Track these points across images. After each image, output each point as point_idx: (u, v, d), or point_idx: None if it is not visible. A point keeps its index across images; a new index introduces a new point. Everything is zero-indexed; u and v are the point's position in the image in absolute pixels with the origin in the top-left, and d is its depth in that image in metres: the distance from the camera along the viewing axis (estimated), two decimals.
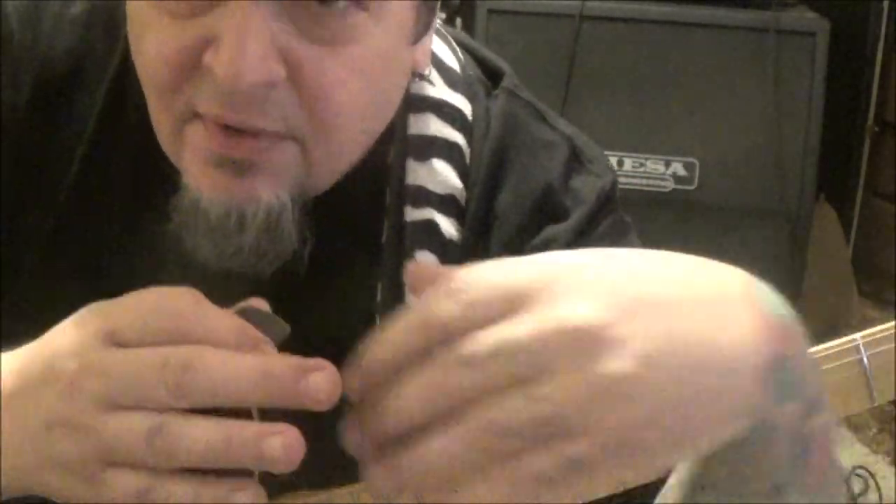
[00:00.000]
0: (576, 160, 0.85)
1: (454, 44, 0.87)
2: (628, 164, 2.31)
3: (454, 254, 0.81)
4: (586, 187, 0.84)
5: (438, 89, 0.83)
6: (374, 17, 0.69)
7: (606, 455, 0.49)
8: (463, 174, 0.82)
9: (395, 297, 0.80)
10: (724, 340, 0.51)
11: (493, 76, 0.87)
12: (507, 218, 0.82)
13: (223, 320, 0.58)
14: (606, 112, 2.29)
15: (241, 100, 0.67)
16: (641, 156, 2.31)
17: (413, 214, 0.80)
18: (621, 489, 0.55)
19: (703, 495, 0.58)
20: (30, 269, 0.81)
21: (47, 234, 0.81)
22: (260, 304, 0.65)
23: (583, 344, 0.48)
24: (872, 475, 2.21)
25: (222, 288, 0.79)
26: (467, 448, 0.50)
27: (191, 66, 0.68)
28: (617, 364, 0.48)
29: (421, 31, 0.75)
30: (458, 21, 2.46)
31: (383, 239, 0.80)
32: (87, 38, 0.81)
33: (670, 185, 2.31)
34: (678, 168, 2.31)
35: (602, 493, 0.51)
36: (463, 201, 0.81)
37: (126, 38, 0.76)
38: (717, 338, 0.51)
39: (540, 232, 0.82)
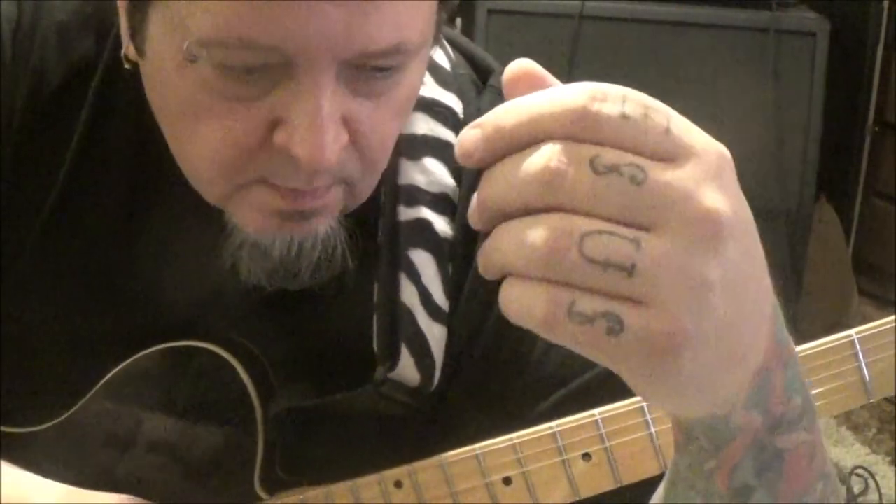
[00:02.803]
0: None
1: (445, 42, 0.87)
2: None
3: (449, 252, 0.81)
4: None
5: (429, 88, 0.83)
6: (416, 60, 0.70)
7: (653, 343, 0.44)
8: (456, 173, 0.82)
9: (391, 295, 0.80)
10: (753, 321, 0.49)
11: (482, 74, 0.87)
12: None
13: None
14: None
15: (320, 173, 0.68)
16: None
17: (406, 214, 0.81)
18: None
19: (678, 491, 0.57)
20: (21, 270, 0.82)
21: (39, 236, 0.81)
22: None
23: (705, 232, 0.44)
24: (872, 475, 2.21)
25: (234, 292, 0.80)
26: (535, 244, 0.44)
27: (259, 145, 0.68)
28: (718, 272, 0.45)
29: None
30: (458, 21, 2.46)
31: (379, 239, 0.81)
32: (75, 41, 0.81)
33: None
34: None
35: (601, 368, 0.46)
36: (456, 199, 0.82)
37: (116, 37, 0.76)
38: (756, 312, 0.49)
39: None
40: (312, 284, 0.76)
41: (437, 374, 0.82)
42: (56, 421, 0.82)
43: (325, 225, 0.73)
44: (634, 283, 0.43)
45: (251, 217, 0.72)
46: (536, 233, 0.44)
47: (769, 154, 2.29)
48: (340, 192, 0.73)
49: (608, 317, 0.43)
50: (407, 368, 0.80)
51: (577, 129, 0.44)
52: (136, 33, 0.70)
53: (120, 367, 0.81)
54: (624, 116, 0.44)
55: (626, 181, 0.44)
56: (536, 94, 0.45)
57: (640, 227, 0.44)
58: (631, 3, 2.30)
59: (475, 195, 0.46)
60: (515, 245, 0.44)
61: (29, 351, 0.83)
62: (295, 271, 0.74)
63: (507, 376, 0.82)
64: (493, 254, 0.45)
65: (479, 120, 0.46)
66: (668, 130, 0.46)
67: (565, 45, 2.27)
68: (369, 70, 0.67)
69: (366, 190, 0.75)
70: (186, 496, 0.81)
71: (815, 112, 2.29)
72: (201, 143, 0.70)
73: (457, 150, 0.46)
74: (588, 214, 0.44)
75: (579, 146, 0.44)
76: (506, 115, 0.45)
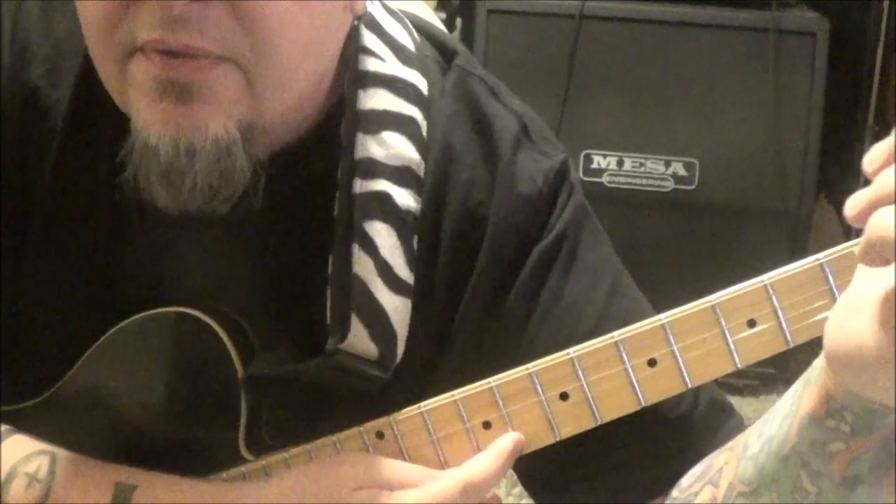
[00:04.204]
0: (525, 136, 0.86)
1: (409, 25, 0.88)
2: (628, 164, 2.30)
3: (413, 224, 0.81)
4: (536, 164, 0.84)
5: (390, 65, 0.83)
6: None
7: None
8: (421, 147, 0.82)
9: (345, 268, 0.80)
10: None
11: (447, 56, 0.87)
12: (463, 189, 0.83)
13: None
14: (606, 112, 2.29)
15: (178, 18, 0.68)
16: (641, 156, 2.31)
17: (362, 186, 0.80)
18: None
19: (788, 465, 0.58)
20: (16, 252, 0.82)
21: (31, 221, 0.82)
22: None
23: None
24: None
25: (183, 234, 0.80)
26: None
27: (127, 2, 0.69)
28: None
29: None
30: (458, 21, 2.46)
31: (335, 212, 0.81)
32: (59, 14, 0.82)
33: (670, 185, 2.31)
34: (678, 168, 2.31)
35: None
36: (421, 173, 0.82)
37: None
38: None
39: (495, 202, 0.83)
40: (213, 204, 0.75)
41: (400, 346, 0.81)
42: (44, 395, 0.83)
43: (217, 123, 0.72)
44: None
45: (137, 104, 0.72)
46: None
47: (769, 154, 2.29)
48: (233, 79, 0.72)
49: None
50: (360, 339, 0.80)
51: None
52: None
53: (105, 335, 0.82)
54: None
55: None
56: None
57: None
58: (631, 3, 2.30)
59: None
60: None
61: (23, 331, 0.84)
62: (190, 183, 0.73)
63: (494, 357, 0.82)
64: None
65: None
66: None
67: (565, 45, 2.26)
68: None
69: (269, 91, 0.74)
70: (174, 458, 0.81)
71: (815, 112, 2.29)
72: (86, 17, 0.72)
73: None
74: None
75: None
76: None
